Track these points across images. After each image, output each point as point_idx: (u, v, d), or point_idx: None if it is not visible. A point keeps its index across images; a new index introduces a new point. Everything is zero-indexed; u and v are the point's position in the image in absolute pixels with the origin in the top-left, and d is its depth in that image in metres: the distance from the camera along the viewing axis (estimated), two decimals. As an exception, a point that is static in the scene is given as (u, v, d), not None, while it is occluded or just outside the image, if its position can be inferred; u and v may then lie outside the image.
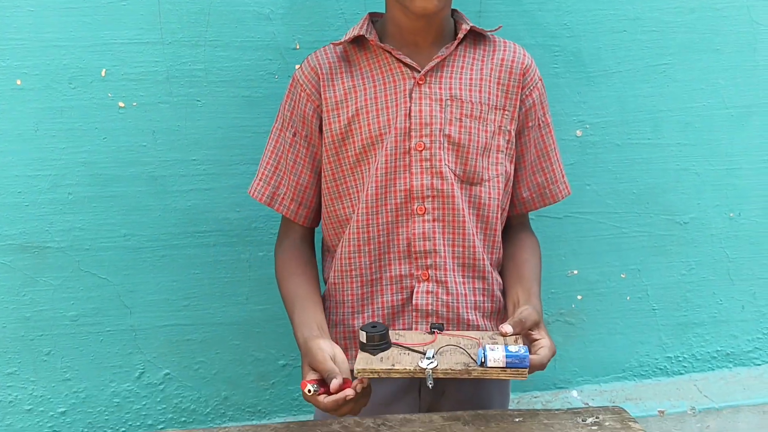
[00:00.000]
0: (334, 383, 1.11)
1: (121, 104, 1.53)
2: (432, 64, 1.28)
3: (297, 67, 1.35)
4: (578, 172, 1.74)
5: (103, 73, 1.52)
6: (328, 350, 1.16)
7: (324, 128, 1.31)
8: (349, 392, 1.10)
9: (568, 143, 1.73)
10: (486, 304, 1.32)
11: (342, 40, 1.31)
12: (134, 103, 1.54)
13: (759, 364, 1.95)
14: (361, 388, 1.12)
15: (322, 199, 1.35)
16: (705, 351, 1.91)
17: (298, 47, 1.58)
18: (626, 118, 1.75)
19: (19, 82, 1.49)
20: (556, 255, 1.78)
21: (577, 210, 1.77)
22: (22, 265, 1.55)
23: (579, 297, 1.82)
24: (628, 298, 1.84)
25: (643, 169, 1.78)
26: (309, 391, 1.12)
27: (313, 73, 1.32)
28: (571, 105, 1.72)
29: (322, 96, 1.31)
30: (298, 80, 1.34)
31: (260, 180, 1.37)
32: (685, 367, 1.91)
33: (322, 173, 1.34)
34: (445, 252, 1.29)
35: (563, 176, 1.42)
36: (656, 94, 1.75)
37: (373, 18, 1.35)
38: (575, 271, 1.80)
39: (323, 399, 1.12)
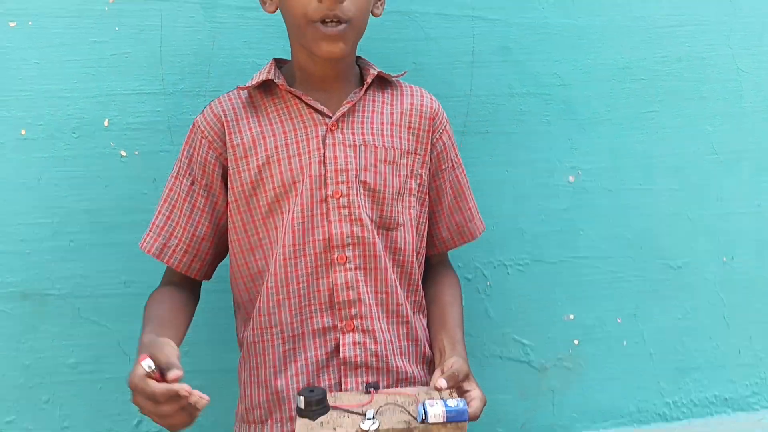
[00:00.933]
0: (175, 373, 1.03)
1: (123, 153, 1.56)
2: (343, 109, 1.26)
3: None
4: (572, 217, 1.77)
5: (105, 123, 1.55)
6: (176, 351, 1.09)
7: (231, 178, 1.27)
8: (186, 387, 1.01)
9: (561, 189, 1.76)
10: (411, 349, 1.31)
11: (248, 85, 1.28)
12: (136, 152, 1.57)
13: (757, 409, 1.93)
14: (193, 400, 1.02)
15: (231, 252, 1.31)
16: (703, 396, 1.91)
17: (296, 97, 1.62)
18: (618, 164, 1.78)
19: (23, 132, 1.52)
20: (552, 300, 1.79)
21: (572, 255, 1.79)
22: (22, 313, 1.56)
23: (576, 342, 1.82)
24: (624, 342, 1.85)
25: (636, 214, 1.80)
26: (149, 367, 1.02)
27: (216, 120, 1.28)
28: (563, 151, 1.75)
29: (228, 144, 1.27)
30: (199, 127, 1.30)
31: (151, 231, 1.32)
32: (684, 412, 1.90)
33: (231, 225, 1.29)
34: (369, 300, 1.26)
35: (477, 213, 1.44)
36: (646, 141, 1.78)
37: (279, 64, 1.34)
38: (571, 316, 1.81)
39: (155, 384, 1.02)
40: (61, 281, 1.57)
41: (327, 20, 1.20)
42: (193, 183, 1.30)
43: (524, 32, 1.70)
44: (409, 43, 1.66)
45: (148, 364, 1.03)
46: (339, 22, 1.20)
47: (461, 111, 1.69)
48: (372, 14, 1.31)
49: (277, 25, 1.48)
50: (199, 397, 1.02)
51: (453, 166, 1.40)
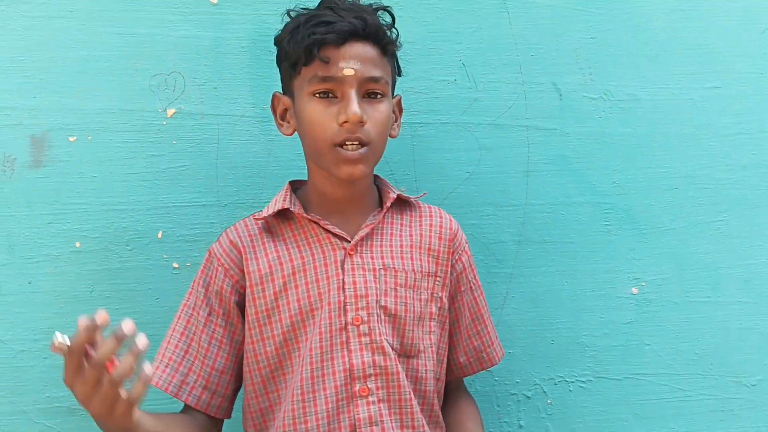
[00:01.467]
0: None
1: (176, 265, 1.56)
2: (362, 233, 1.23)
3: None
4: (636, 330, 1.69)
5: (159, 235, 1.55)
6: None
7: (247, 305, 1.23)
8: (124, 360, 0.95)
9: (624, 301, 1.69)
10: None
11: (264, 215, 1.27)
12: (188, 264, 1.55)
13: None
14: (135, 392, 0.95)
15: (244, 385, 1.26)
16: None
17: (349, 208, 1.60)
18: (683, 275, 1.71)
19: (78, 244, 1.52)
20: (618, 419, 1.69)
21: (637, 371, 1.70)
22: (67, 428, 1.52)
23: (644, 465, 1.72)
24: (697, 466, 1.73)
25: (704, 328, 1.72)
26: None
27: (233, 247, 1.26)
28: (625, 262, 1.69)
29: (246, 270, 1.23)
30: (215, 254, 1.27)
31: (166, 366, 1.23)
32: None
33: (245, 356, 1.24)
34: None
35: (497, 338, 1.38)
36: (713, 251, 1.72)
37: (294, 186, 1.33)
38: (639, 437, 1.71)
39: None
40: (108, 396, 1.54)
41: (348, 143, 1.19)
42: (210, 313, 1.26)
43: (581, 141, 1.68)
44: (463, 153, 1.65)
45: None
46: (360, 144, 1.20)
47: (517, 220, 1.66)
48: (389, 136, 1.30)
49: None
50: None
51: (471, 288, 1.36)
